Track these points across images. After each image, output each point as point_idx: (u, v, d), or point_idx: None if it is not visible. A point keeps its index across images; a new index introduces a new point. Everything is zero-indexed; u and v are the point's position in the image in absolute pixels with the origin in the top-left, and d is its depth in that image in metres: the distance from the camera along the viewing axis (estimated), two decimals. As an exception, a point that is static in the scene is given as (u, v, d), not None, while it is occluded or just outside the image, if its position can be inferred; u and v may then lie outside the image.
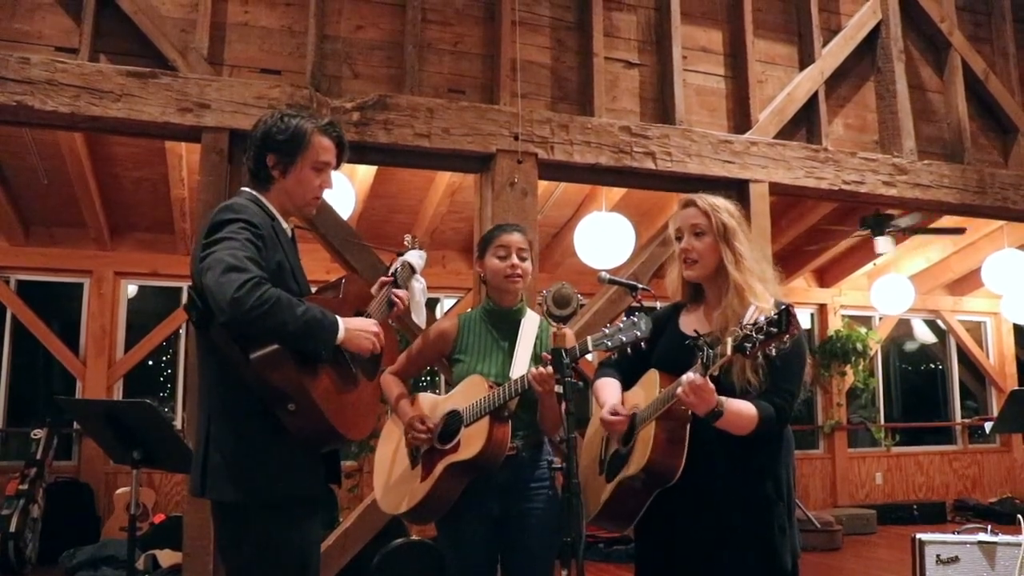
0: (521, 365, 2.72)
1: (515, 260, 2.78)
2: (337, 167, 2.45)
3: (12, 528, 5.66)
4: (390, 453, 2.88)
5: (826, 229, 7.73)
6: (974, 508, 8.84)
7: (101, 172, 6.13)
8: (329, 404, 2.14)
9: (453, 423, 2.68)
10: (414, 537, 4.30)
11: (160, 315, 7.31)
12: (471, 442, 2.59)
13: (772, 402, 2.27)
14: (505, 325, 2.84)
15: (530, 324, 2.85)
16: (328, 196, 2.51)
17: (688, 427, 2.30)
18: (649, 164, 4.53)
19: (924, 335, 10.13)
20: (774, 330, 2.04)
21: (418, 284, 2.71)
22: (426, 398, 2.86)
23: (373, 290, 2.56)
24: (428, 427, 2.70)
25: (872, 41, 5.31)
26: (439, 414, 2.74)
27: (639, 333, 2.43)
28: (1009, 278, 7.57)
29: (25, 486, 5.98)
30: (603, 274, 3.09)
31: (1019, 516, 3.64)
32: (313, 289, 2.38)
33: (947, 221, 7.16)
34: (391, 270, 2.66)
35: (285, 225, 2.37)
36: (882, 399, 9.54)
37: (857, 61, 5.28)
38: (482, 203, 4.34)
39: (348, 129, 3.84)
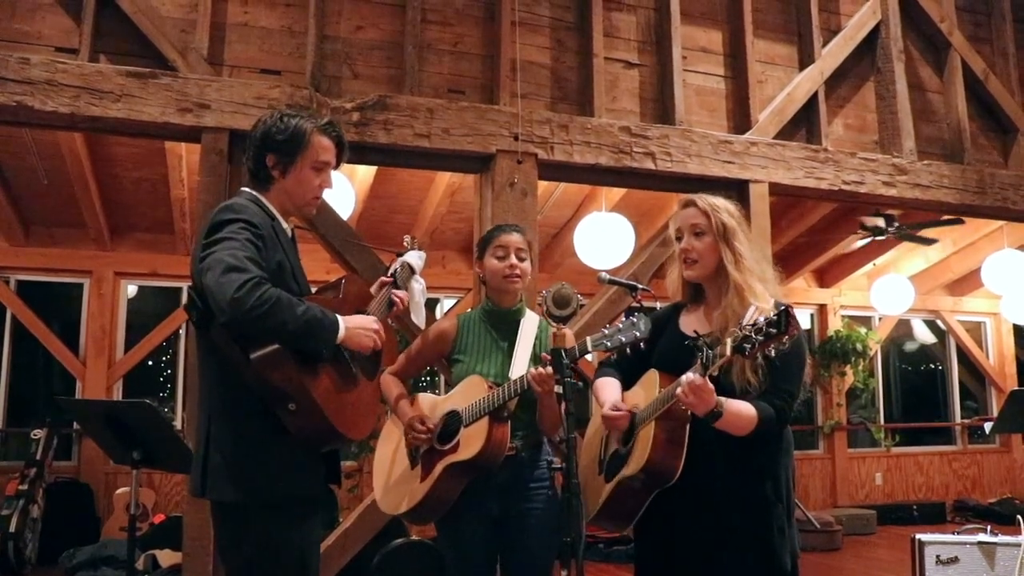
0: (520, 365, 2.72)
1: (513, 260, 2.78)
2: (337, 167, 2.45)
3: (12, 528, 5.66)
4: (390, 453, 2.88)
5: (826, 229, 7.73)
6: (974, 508, 8.84)
7: (101, 172, 6.13)
8: (329, 404, 2.14)
9: (452, 423, 2.68)
10: (414, 537, 4.31)
11: (160, 315, 7.31)
12: (470, 442, 2.59)
13: (772, 403, 2.28)
14: (504, 325, 2.84)
15: (529, 324, 2.85)
16: (328, 196, 2.51)
17: (687, 427, 2.30)
18: (649, 164, 4.53)
19: (924, 335, 10.13)
20: (773, 331, 2.04)
21: (417, 285, 2.71)
22: (425, 398, 2.86)
23: (373, 290, 2.56)
24: (427, 427, 2.70)
25: (872, 41, 5.31)
26: (438, 414, 2.74)
27: (638, 333, 2.43)
28: (1009, 278, 7.57)
29: (25, 486, 5.98)
30: (603, 274, 3.09)
31: (1019, 517, 3.64)
32: (313, 289, 2.38)
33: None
34: (390, 271, 2.66)
35: (285, 225, 2.37)
36: (882, 399, 9.54)
37: (857, 61, 5.28)
38: (482, 203, 4.34)
39: (348, 129, 3.84)
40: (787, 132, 4.95)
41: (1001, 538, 3.51)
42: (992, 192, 5.30)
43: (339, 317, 2.17)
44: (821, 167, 4.90)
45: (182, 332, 7.35)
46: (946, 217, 7.09)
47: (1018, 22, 5.81)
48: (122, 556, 5.20)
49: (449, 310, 8.06)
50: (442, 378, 7.05)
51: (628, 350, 2.49)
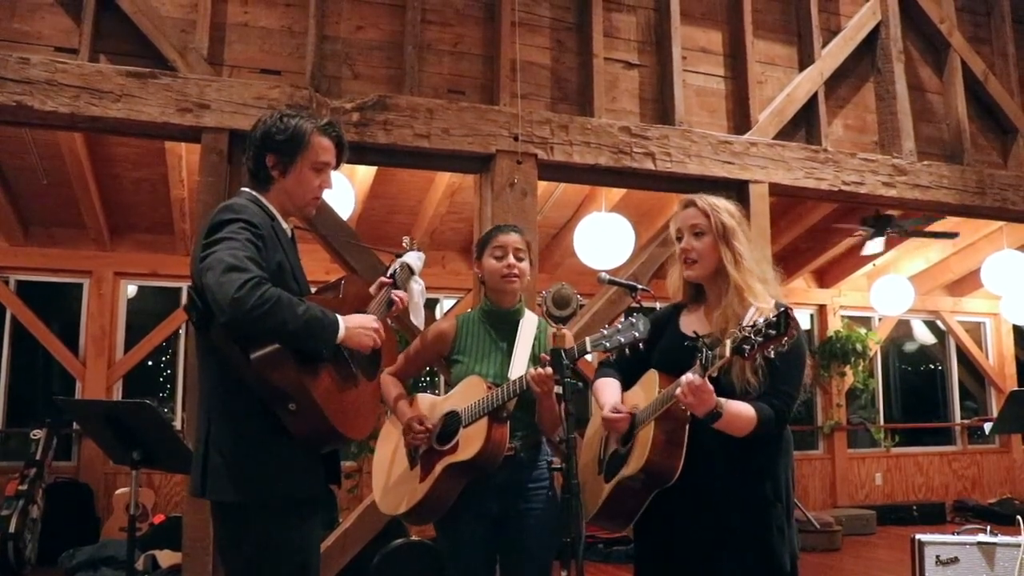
0: (519, 366, 2.72)
1: (512, 260, 2.78)
2: (337, 167, 2.45)
3: (11, 529, 5.65)
4: (389, 454, 2.88)
5: (827, 229, 7.73)
6: (973, 509, 8.84)
7: (101, 172, 6.13)
8: (329, 404, 2.14)
9: (451, 424, 2.68)
10: (413, 538, 4.31)
11: (160, 315, 7.31)
12: (470, 443, 2.59)
13: (771, 404, 2.28)
14: (504, 326, 2.84)
15: (529, 325, 2.85)
16: (328, 196, 2.51)
17: (687, 428, 2.30)
18: (649, 165, 4.53)
19: (924, 336, 10.13)
20: (773, 332, 2.04)
21: (417, 285, 2.71)
22: (425, 399, 2.87)
23: (372, 291, 2.56)
24: (426, 428, 2.70)
25: (872, 42, 5.31)
26: (437, 415, 2.75)
27: (637, 334, 2.43)
28: (1008, 279, 7.57)
29: (24, 487, 5.98)
30: (603, 275, 3.09)
31: (1018, 517, 3.64)
32: (312, 290, 2.38)
33: (947, 223, 7.16)
34: (390, 271, 2.66)
35: (285, 225, 2.37)
36: (882, 400, 9.54)
37: (857, 62, 5.28)
38: (482, 204, 4.34)
39: (348, 130, 3.84)
40: (787, 132, 4.96)
41: (1001, 538, 3.51)
42: (992, 193, 5.30)
43: (339, 317, 2.17)
44: (821, 167, 4.90)
45: (182, 332, 7.35)
46: (939, 230, 7.13)
47: (1017, 23, 5.81)
48: (122, 556, 5.20)
49: (449, 310, 8.06)
50: (442, 378, 7.05)
51: (627, 350, 2.50)
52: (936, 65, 5.52)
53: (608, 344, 2.45)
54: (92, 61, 3.82)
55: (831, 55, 5.14)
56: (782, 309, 2.08)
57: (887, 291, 8.50)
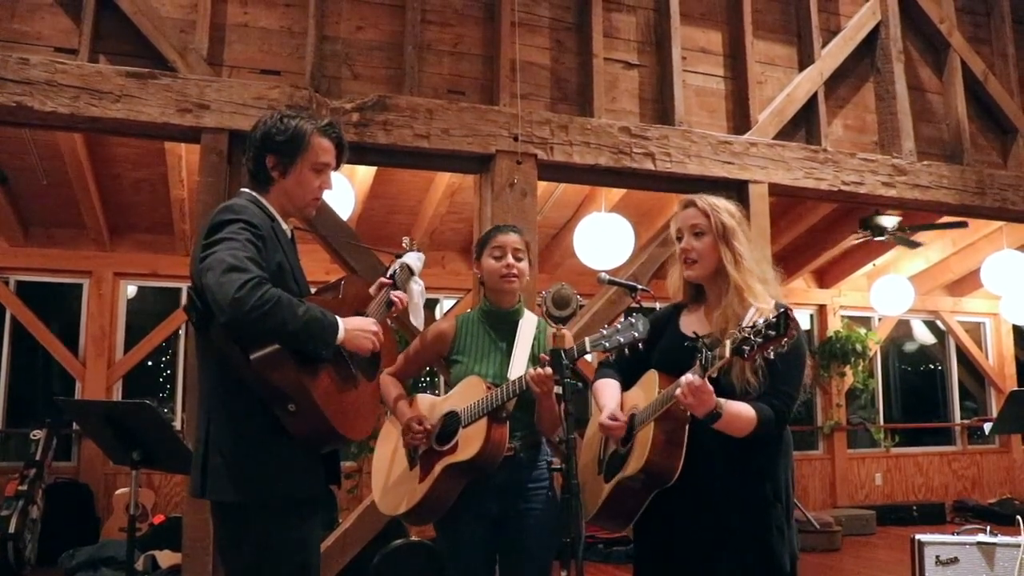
0: (519, 366, 2.72)
1: (510, 260, 2.78)
2: (336, 168, 2.45)
3: (11, 529, 5.65)
4: (388, 454, 2.88)
5: (827, 229, 7.74)
6: (973, 509, 8.84)
7: (100, 173, 6.13)
8: (329, 404, 2.14)
9: (451, 424, 2.68)
10: (413, 538, 4.31)
11: (159, 316, 7.31)
12: (469, 443, 2.59)
13: (771, 404, 2.28)
14: (503, 326, 2.84)
15: (528, 325, 2.85)
16: (328, 197, 2.51)
17: (687, 428, 2.30)
18: (648, 165, 4.53)
19: (923, 336, 10.13)
20: (772, 333, 2.04)
21: (416, 286, 2.71)
22: (424, 399, 2.87)
23: (372, 291, 2.57)
24: (425, 428, 2.70)
25: (871, 42, 5.31)
26: (437, 415, 2.75)
27: (636, 334, 2.44)
28: (1008, 279, 7.57)
29: (24, 487, 5.98)
30: (602, 275, 3.10)
31: (1018, 517, 3.64)
32: (312, 290, 2.38)
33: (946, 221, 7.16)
34: (389, 272, 2.67)
35: (285, 226, 2.37)
36: (881, 400, 9.54)
37: (856, 62, 5.28)
38: (481, 204, 4.34)
39: (348, 130, 3.84)
40: (787, 133, 4.96)
41: (1000, 539, 3.51)
42: (991, 193, 5.30)
43: (338, 318, 2.17)
44: (821, 168, 4.90)
45: (182, 332, 7.35)
46: (946, 220, 7.13)
47: (1017, 23, 5.81)
48: (121, 557, 5.20)
49: (449, 311, 8.06)
50: (442, 379, 7.05)
51: (627, 351, 2.50)
52: (936, 65, 5.52)
53: (607, 344, 2.45)
54: (92, 61, 3.82)
55: (831, 55, 5.14)
56: (782, 310, 2.08)
57: (887, 291, 8.50)
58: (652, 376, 2.44)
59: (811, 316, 9.30)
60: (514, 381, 2.58)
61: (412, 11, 4.32)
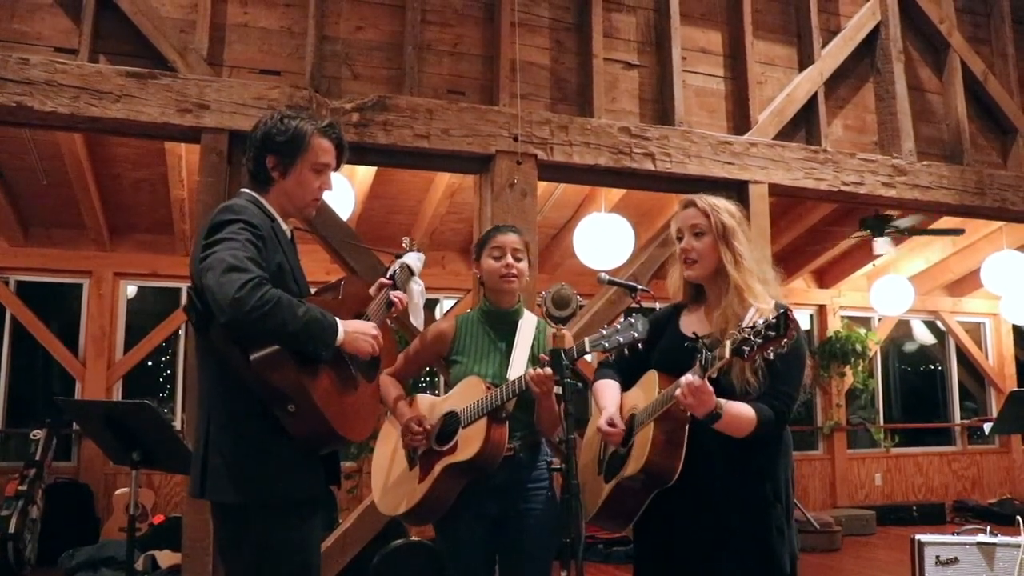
0: (518, 366, 2.72)
1: (510, 260, 2.78)
2: (336, 168, 2.45)
3: (11, 529, 5.65)
4: (388, 454, 2.88)
5: (826, 230, 7.74)
6: (973, 509, 8.84)
7: (100, 173, 6.13)
8: (329, 405, 2.14)
9: (451, 424, 2.68)
10: (413, 538, 4.31)
11: (159, 316, 7.31)
12: (469, 443, 2.59)
13: (771, 404, 2.28)
14: (502, 326, 2.84)
15: (527, 325, 2.85)
16: (328, 197, 2.51)
17: (687, 428, 2.30)
18: (648, 165, 4.53)
19: (923, 336, 10.13)
20: (772, 334, 2.04)
21: (416, 286, 2.72)
22: (424, 399, 2.86)
23: (372, 291, 2.57)
24: (425, 428, 2.70)
25: (871, 42, 5.31)
26: (437, 415, 2.75)
27: (636, 334, 2.44)
28: (1008, 279, 7.57)
29: (24, 487, 5.98)
30: (602, 275, 3.10)
31: (1018, 517, 3.64)
32: (312, 291, 2.38)
33: (946, 222, 7.16)
34: (389, 272, 2.67)
35: (284, 226, 2.37)
36: (881, 400, 9.54)
37: (856, 62, 5.28)
38: (481, 204, 4.34)
39: (347, 130, 3.84)
40: (787, 133, 4.96)
41: (1000, 539, 3.51)
42: (991, 193, 5.30)
43: (338, 320, 2.17)
44: (820, 168, 4.90)
45: (181, 333, 7.35)
46: (942, 227, 7.14)
47: (1017, 23, 5.81)
48: (121, 557, 5.20)
49: (448, 311, 8.06)
50: (442, 379, 7.06)
51: (627, 351, 2.50)
52: (936, 65, 5.52)
53: (607, 344, 2.45)
54: (92, 62, 3.82)
55: (831, 55, 5.14)
56: (781, 310, 2.08)
57: (887, 291, 8.50)
58: (652, 376, 2.44)
59: (811, 316, 9.30)
60: (513, 381, 2.58)
61: (412, 11, 4.32)
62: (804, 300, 9.09)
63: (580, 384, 4.64)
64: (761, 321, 2.08)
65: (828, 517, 7.40)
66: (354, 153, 3.00)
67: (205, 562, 3.68)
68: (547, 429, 2.73)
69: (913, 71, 5.41)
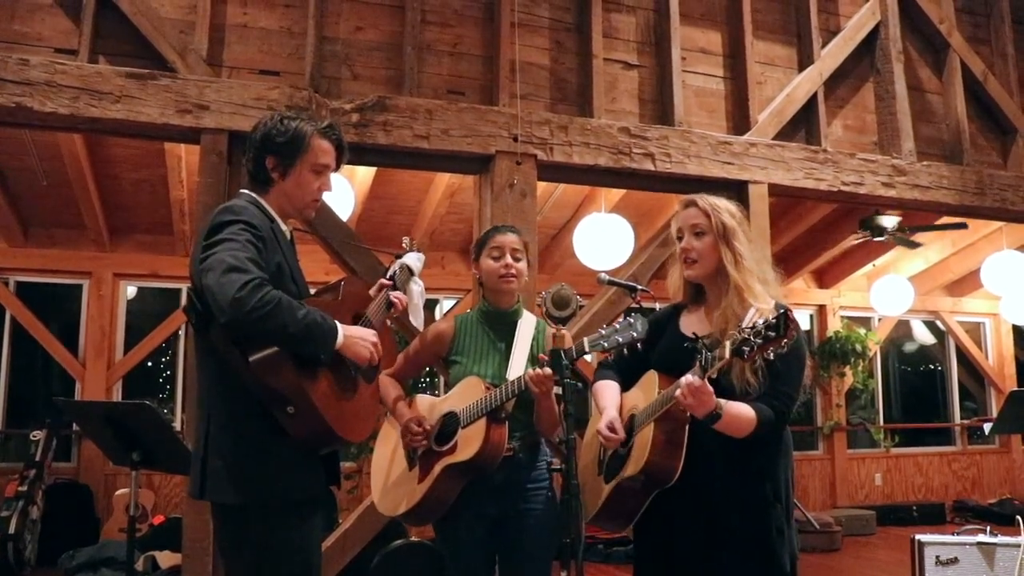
0: (518, 366, 2.72)
1: (509, 260, 2.78)
2: (336, 169, 2.45)
3: (11, 530, 5.65)
4: (388, 454, 2.88)
5: (827, 230, 7.74)
6: (973, 509, 8.84)
7: (100, 173, 6.13)
8: (328, 407, 2.14)
9: (450, 425, 2.68)
10: (413, 538, 4.31)
11: (159, 316, 7.31)
12: (468, 443, 2.59)
13: (771, 405, 2.28)
14: (502, 326, 2.84)
15: (527, 325, 2.85)
16: (328, 198, 2.51)
17: (687, 429, 2.30)
18: (648, 165, 4.53)
19: (923, 336, 10.13)
20: (772, 334, 2.04)
21: (416, 286, 2.72)
22: (424, 400, 2.87)
23: (371, 292, 2.56)
24: (424, 429, 2.70)
25: (871, 42, 5.31)
26: (436, 416, 2.75)
27: (635, 334, 2.44)
28: (1008, 279, 7.58)
29: (24, 487, 5.98)
30: (602, 275, 3.10)
31: (1018, 517, 3.64)
32: (312, 291, 2.38)
33: (947, 221, 7.16)
34: (389, 272, 2.67)
35: (284, 227, 2.37)
36: (881, 400, 9.54)
37: (856, 62, 5.28)
38: (481, 204, 4.34)
39: (347, 130, 3.84)
40: (786, 133, 4.96)
41: (1000, 539, 3.51)
42: (991, 193, 5.30)
43: (338, 324, 2.17)
44: (820, 168, 4.90)
45: (181, 333, 7.35)
46: (946, 221, 7.13)
47: (1017, 23, 5.81)
48: (121, 557, 5.20)
49: (448, 311, 8.07)
50: (441, 379, 7.06)
51: (626, 351, 2.50)
52: (935, 65, 5.52)
53: (606, 344, 2.45)
54: (91, 62, 3.82)
55: (830, 55, 5.14)
56: (781, 311, 2.08)
57: (887, 291, 8.50)
58: (652, 377, 2.44)
59: (811, 316, 9.31)
60: (513, 381, 2.58)
61: (412, 11, 4.32)
62: (804, 300, 9.09)
63: (580, 384, 4.64)
64: (761, 321, 2.08)
65: (828, 517, 7.40)
66: (354, 153, 3.00)
67: (205, 563, 3.68)
68: (546, 429, 2.73)
69: (913, 71, 5.41)
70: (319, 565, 2.27)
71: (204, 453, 2.19)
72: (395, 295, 2.56)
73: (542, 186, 5.15)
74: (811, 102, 5.06)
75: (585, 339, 2.50)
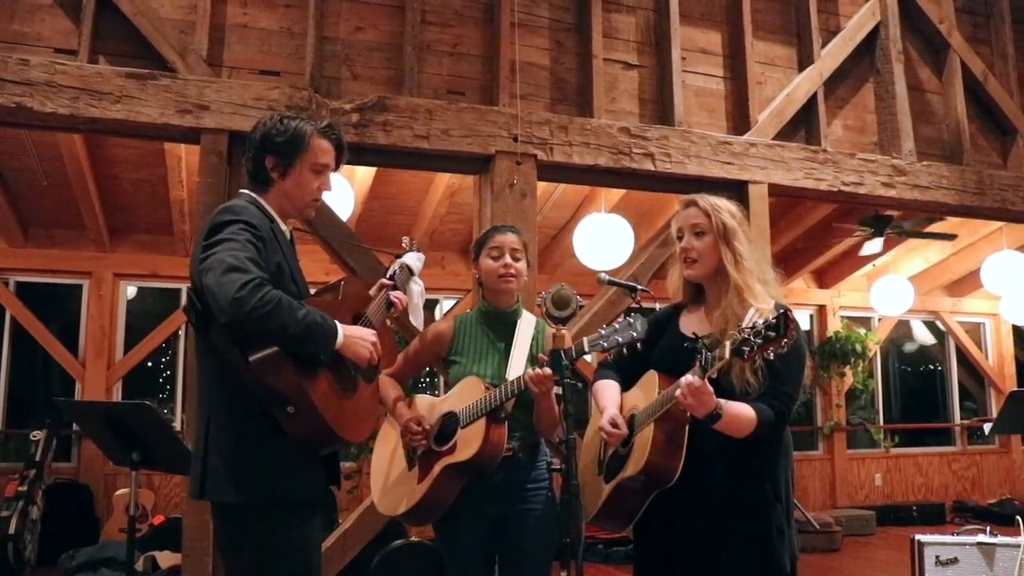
0: (517, 366, 2.72)
1: (508, 260, 2.78)
2: (336, 169, 2.45)
3: (11, 530, 5.65)
4: (388, 454, 2.88)
5: (827, 230, 7.73)
6: (973, 509, 8.85)
7: (100, 174, 6.13)
8: (328, 407, 2.14)
9: (450, 425, 2.68)
10: (413, 538, 4.31)
11: (159, 316, 7.31)
12: (468, 443, 2.59)
13: (771, 405, 2.28)
14: (501, 326, 2.84)
15: (526, 325, 2.85)
16: (327, 198, 2.51)
17: (687, 429, 2.30)
18: (648, 165, 4.54)
19: (923, 336, 10.13)
20: (772, 334, 2.04)
21: (416, 286, 2.71)
22: (423, 400, 2.86)
23: (372, 292, 2.56)
24: (424, 428, 2.70)
25: (871, 42, 5.31)
26: (436, 416, 2.75)
27: (635, 334, 2.44)
28: (1008, 279, 7.57)
29: (24, 488, 5.97)
30: (602, 275, 3.10)
31: (1018, 517, 3.64)
32: (312, 291, 2.38)
33: (945, 223, 7.17)
34: (389, 272, 2.66)
35: (284, 227, 2.37)
36: (881, 400, 9.54)
37: (856, 62, 5.28)
38: (481, 204, 4.34)
39: (347, 130, 3.84)
40: (786, 133, 4.95)
41: (1000, 539, 3.51)
42: (991, 193, 5.30)
43: (337, 324, 2.17)
44: (820, 168, 4.90)
45: (181, 333, 7.35)
46: (936, 230, 7.14)
47: (1017, 23, 5.81)
48: (121, 557, 5.20)
49: (448, 311, 8.07)
50: (441, 379, 7.05)
51: (626, 351, 2.49)
52: (935, 65, 5.52)
53: (605, 344, 2.46)
54: (91, 62, 3.82)
55: (830, 56, 5.14)
56: (781, 311, 2.08)
57: (887, 291, 8.50)
58: (652, 377, 2.44)
59: (811, 316, 9.31)
60: (512, 381, 2.58)
61: (412, 12, 4.33)
62: (804, 300, 9.09)
63: (580, 384, 4.64)
64: (761, 321, 2.08)
65: (828, 517, 7.40)
66: (354, 153, 3.00)
67: (205, 563, 3.68)
68: (546, 429, 2.73)
69: (913, 71, 5.41)
70: (319, 565, 2.27)
71: (204, 453, 2.19)
72: (395, 295, 2.56)
73: (542, 186, 5.15)
74: (811, 102, 5.06)
75: (585, 339, 2.50)
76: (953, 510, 8.97)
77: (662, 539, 2.41)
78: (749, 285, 2.35)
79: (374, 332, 2.30)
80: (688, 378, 2.16)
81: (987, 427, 9.12)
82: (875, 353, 9.31)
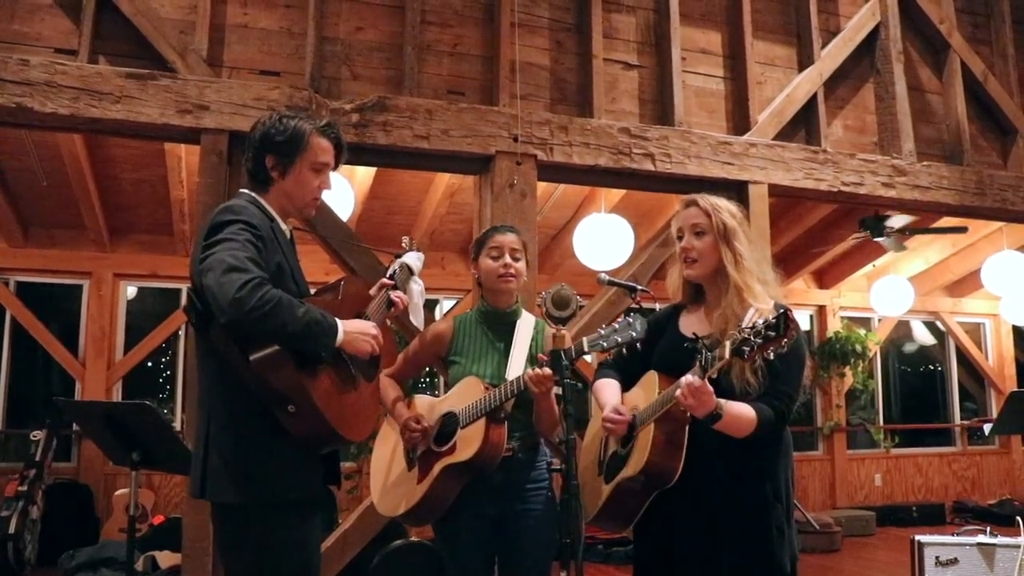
0: (517, 366, 2.72)
1: (508, 260, 2.78)
2: (335, 168, 2.45)
3: (11, 530, 5.65)
4: (387, 455, 2.88)
5: (827, 230, 7.74)
6: (973, 510, 8.84)
7: (100, 174, 6.13)
8: (329, 406, 2.14)
9: (449, 425, 2.68)
10: (413, 538, 4.31)
11: (159, 316, 7.31)
12: (467, 444, 2.59)
13: (771, 405, 2.28)
14: (500, 326, 2.84)
15: (526, 325, 2.85)
16: (327, 197, 2.52)
17: (687, 429, 2.30)
18: (648, 166, 4.54)
19: (923, 337, 10.13)
20: (772, 334, 2.04)
21: (416, 286, 2.72)
22: (423, 400, 2.87)
23: (372, 291, 2.56)
24: (423, 427, 2.70)
25: (871, 43, 5.31)
26: (435, 416, 2.75)
27: (635, 333, 2.44)
28: (1008, 280, 7.57)
29: (24, 487, 5.97)
30: (602, 275, 3.10)
31: (1018, 518, 3.64)
32: (312, 291, 2.38)
33: (946, 222, 7.16)
34: (389, 272, 2.66)
35: (284, 227, 2.37)
36: (881, 400, 9.54)
37: (856, 63, 5.28)
38: (481, 204, 4.34)
39: (347, 130, 3.84)
40: (786, 133, 4.96)
41: (1000, 539, 3.51)
42: (991, 193, 5.30)
43: (338, 321, 2.17)
44: (820, 168, 4.90)
45: (181, 333, 7.35)
46: (944, 224, 7.13)
47: (1017, 23, 5.81)
48: (121, 557, 5.20)
49: (448, 311, 8.07)
50: (441, 380, 7.05)
51: (625, 351, 2.49)
52: (936, 66, 5.52)
53: (605, 344, 2.46)
54: (92, 63, 3.82)
55: (830, 56, 5.14)
56: (781, 311, 2.08)
57: (887, 292, 8.50)
58: (652, 377, 2.44)
59: (811, 317, 9.30)
60: (512, 381, 2.58)
61: (412, 12, 4.33)
62: (804, 300, 9.09)
63: (580, 384, 4.64)
64: (761, 321, 2.08)
65: (828, 518, 7.40)
66: (354, 153, 3.00)
67: (205, 563, 3.68)
68: (546, 430, 2.73)
69: (913, 71, 5.41)
70: (319, 565, 2.27)
71: (204, 453, 2.19)
72: (395, 294, 2.56)
73: (542, 186, 5.14)
74: (811, 102, 5.06)
75: (585, 339, 2.50)
76: (953, 511, 8.97)
77: (662, 539, 2.41)
78: (749, 285, 2.35)
79: (374, 324, 2.31)
80: (688, 378, 2.16)
81: (987, 428, 9.12)
82: (875, 353, 9.30)
